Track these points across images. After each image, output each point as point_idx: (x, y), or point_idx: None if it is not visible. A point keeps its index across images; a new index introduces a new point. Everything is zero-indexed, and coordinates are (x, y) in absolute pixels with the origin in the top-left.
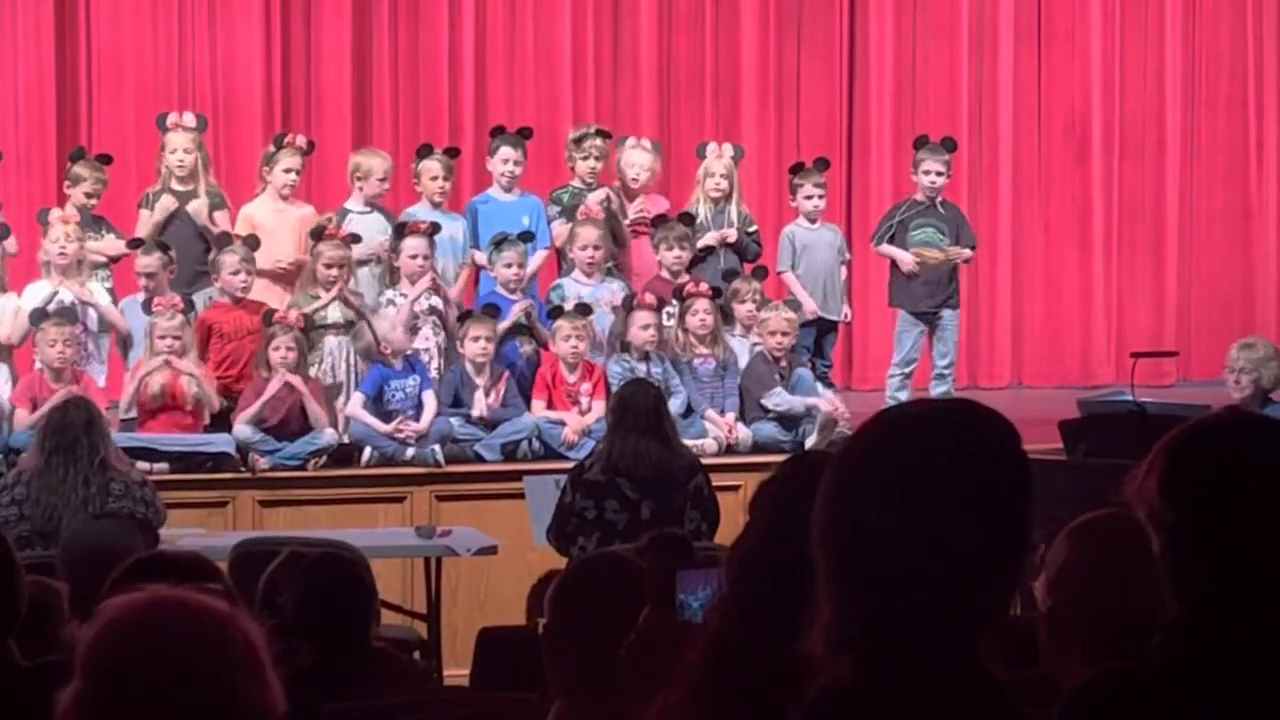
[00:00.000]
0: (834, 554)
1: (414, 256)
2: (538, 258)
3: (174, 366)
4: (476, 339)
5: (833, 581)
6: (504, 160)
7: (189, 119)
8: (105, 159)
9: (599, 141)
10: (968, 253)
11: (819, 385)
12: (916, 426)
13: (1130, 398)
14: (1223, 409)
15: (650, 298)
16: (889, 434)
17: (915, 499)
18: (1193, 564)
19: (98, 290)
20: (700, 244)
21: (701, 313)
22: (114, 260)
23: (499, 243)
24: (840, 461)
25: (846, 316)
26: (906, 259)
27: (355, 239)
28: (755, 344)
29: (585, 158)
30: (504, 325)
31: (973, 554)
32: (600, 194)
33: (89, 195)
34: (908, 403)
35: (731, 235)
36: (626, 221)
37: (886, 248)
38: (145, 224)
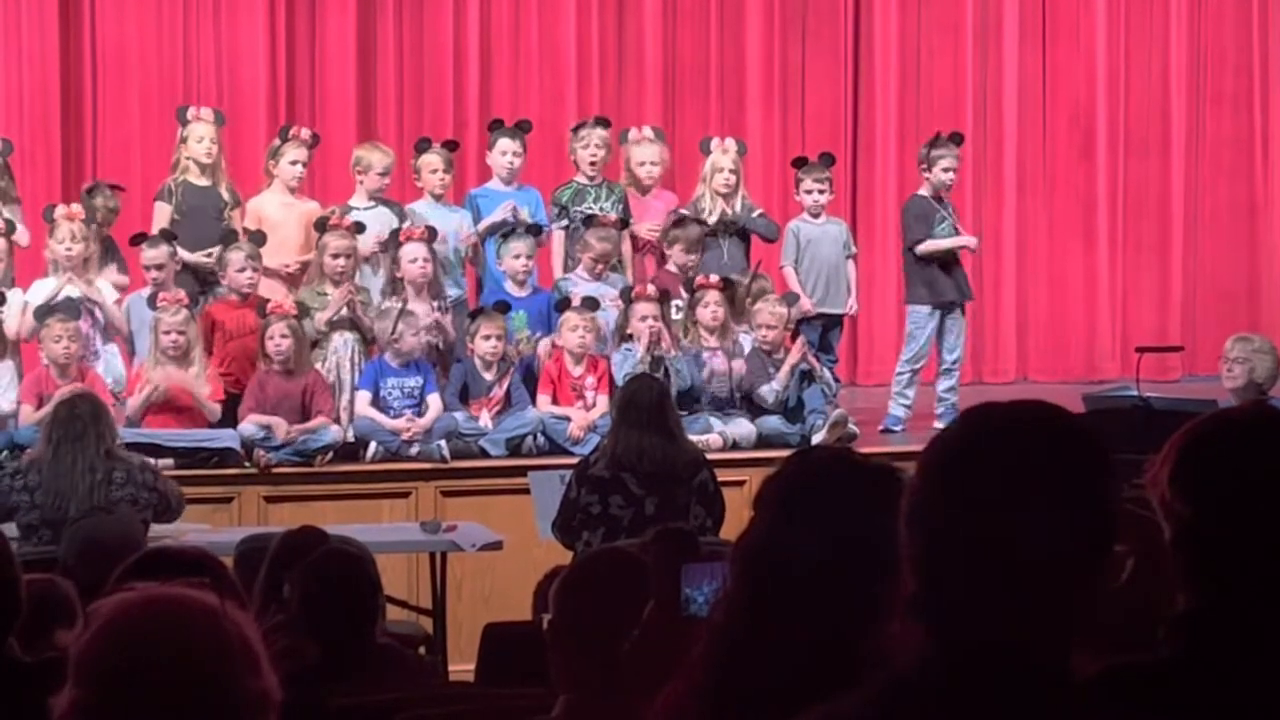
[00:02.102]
0: (921, 552)
1: (414, 261)
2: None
3: (179, 383)
4: (488, 337)
5: (920, 578)
6: (502, 153)
7: (208, 114)
8: (118, 188)
9: (599, 130)
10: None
11: (824, 400)
12: (1007, 430)
13: (1135, 392)
14: (1244, 403)
15: (650, 288)
16: (979, 435)
17: (1007, 501)
18: (1201, 556)
19: (105, 289)
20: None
21: (713, 305)
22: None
23: (506, 235)
24: (931, 461)
25: (852, 309)
26: (953, 242)
27: (360, 228)
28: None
29: (585, 147)
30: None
31: (1064, 554)
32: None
33: (101, 225)
34: (994, 405)
35: (739, 206)
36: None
37: (930, 244)
38: (163, 216)
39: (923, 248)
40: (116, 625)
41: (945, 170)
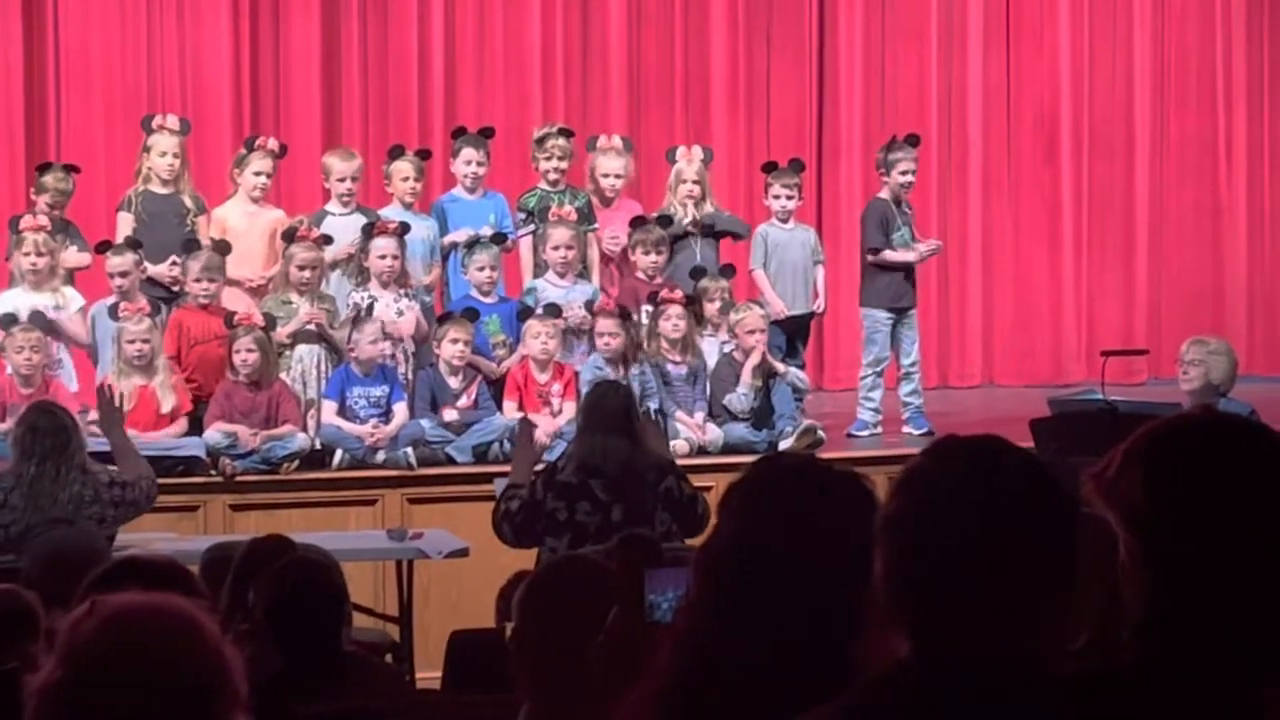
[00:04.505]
0: (896, 571)
1: (383, 257)
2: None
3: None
4: (455, 341)
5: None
6: (466, 162)
7: (173, 121)
8: (72, 169)
9: (561, 141)
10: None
11: (795, 399)
12: (972, 469)
13: (1101, 396)
14: (1194, 408)
15: (610, 303)
16: (939, 470)
17: (976, 531)
18: (1158, 561)
19: (73, 299)
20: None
21: (675, 318)
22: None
23: (471, 245)
24: (900, 502)
25: (819, 307)
26: (911, 255)
27: (327, 240)
28: (724, 343)
29: (548, 158)
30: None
31: (1031, 571)
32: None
33: (51, 206)
34: (951, 441)
35: (708, 209)
36: (590, 228)
37: (888, 255)
38: (126, 226)
39: (881, 257)
40: (122, 619)
41: (903, 174)
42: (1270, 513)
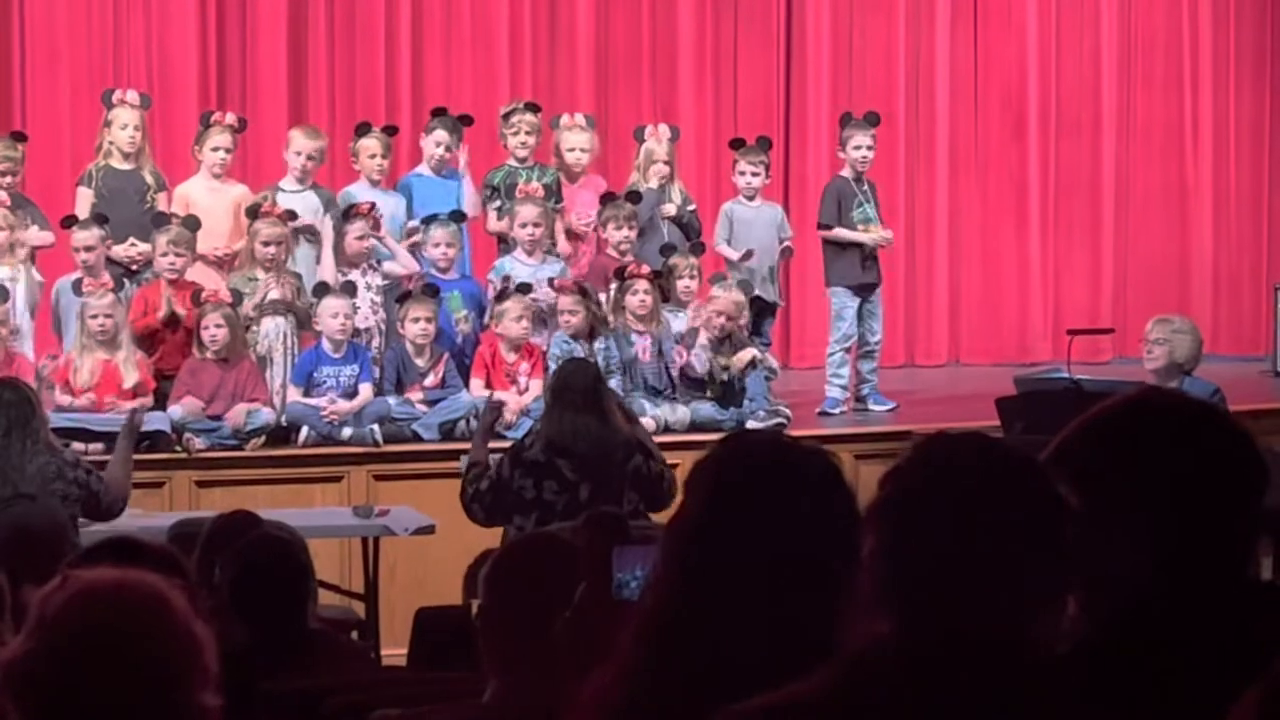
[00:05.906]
0: (888, 562)
1: (360, 239)
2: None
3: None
4: (416, 320)
5: (884, 579)
6: (436, 143)
7: (134, 96)
8: (20, 137)
9: (529, 116)
10: (890, 234)
11: (765, 387)
12: (962, 465)
13: (1067, 374)
14: (1140, 387)
15: (569, 281)
16: (934, 464)
17: (965, 526)
18: (1134, 540)
19: (23, 275)
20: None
21: (641, 293)
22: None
23: (428, 222)
24: (893, 489)
25: (786, 248)
26: (863, 236)
27: (292, 215)
28: (694, 317)
29: (515, 133)
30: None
31: (1021, 567)
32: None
33: (2, 174)
34: (945, 437)
35: (672, 209)
36: (558, 205)
37: (838, 233)
38: (85, 201)
39: (833, 234)
40: (93, 594)
41: (857, 149)
42: (1220, 486)
